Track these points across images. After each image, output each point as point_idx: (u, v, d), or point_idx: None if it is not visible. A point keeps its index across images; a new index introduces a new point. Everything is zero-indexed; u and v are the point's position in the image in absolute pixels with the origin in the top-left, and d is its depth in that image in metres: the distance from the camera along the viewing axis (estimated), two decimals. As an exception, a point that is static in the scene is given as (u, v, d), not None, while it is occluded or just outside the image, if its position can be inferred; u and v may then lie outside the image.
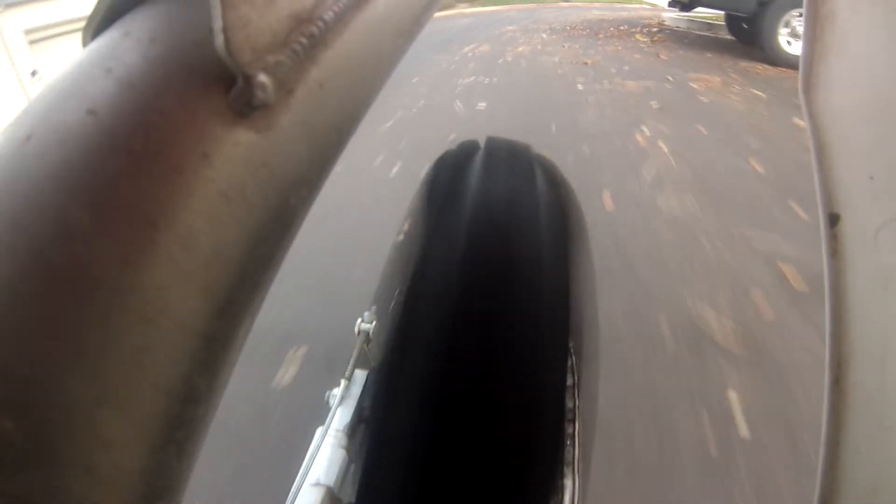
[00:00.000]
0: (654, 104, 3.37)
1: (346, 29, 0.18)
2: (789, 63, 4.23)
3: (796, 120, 2.98)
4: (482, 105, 3.33)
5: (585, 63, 4.53)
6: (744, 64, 4.43)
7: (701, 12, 5.71)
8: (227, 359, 0.17)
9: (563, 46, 5.22)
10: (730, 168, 2.44)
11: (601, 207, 2.06)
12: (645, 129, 2.93)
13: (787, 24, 4.31)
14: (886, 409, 0.31)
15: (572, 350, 0.42)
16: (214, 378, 0.16)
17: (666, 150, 2.64)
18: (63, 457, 0.13)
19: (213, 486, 1.04)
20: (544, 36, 5.78)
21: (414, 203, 0.56)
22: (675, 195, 2.18)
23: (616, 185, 2.26)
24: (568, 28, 6.28)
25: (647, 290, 1.61)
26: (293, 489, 0.51)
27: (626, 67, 4.37)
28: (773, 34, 4.35)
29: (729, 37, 5.45)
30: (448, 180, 0.52)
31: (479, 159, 0.53)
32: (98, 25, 0.18)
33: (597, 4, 8.81)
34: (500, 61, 4.59)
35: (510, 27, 6.29)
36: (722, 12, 5.35)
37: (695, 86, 3.81)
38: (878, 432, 0.31)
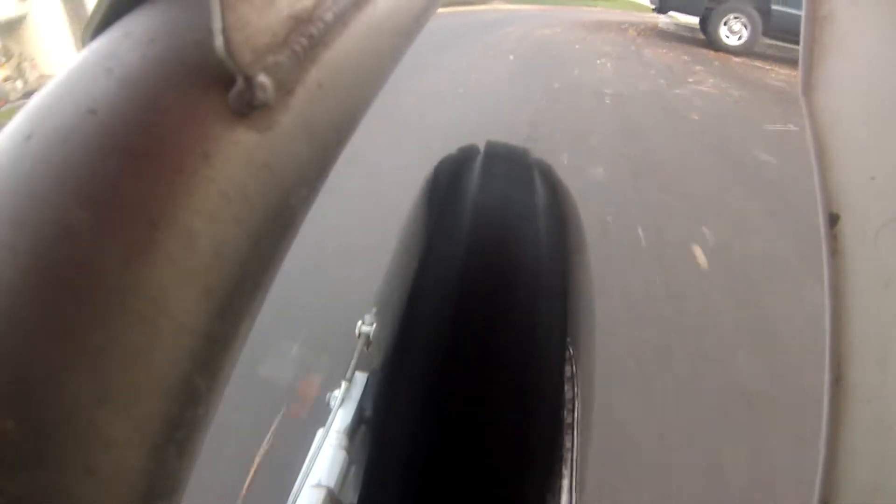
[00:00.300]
0: (614, 54, 5.90)
1: (345, 29, 0.18)
2: (725, 49, 6.30)
3: (697, 67, 5.53)
4: (524, 51, 5.66)
5: (584, 39, 6.81)
6: (695, 49, 6.52)
7: (687, 18, 7.71)
8: (227, 359, 0.17)
9: (574, 33, 7.38)
10: (637, 72, 5.14)
11: (574, 74, 4.78)
12: (603, 60, 5.58)
13: (725, 24, 6.27)
14: (886, 409, 0.31)
15: (571, 352, 0.42)
16: (215, 378, 0.16)
17: (609, 66, 5.29)
18: (63, 457, 0.13)
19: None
20: (562, 27, 8.00)
21: (414, 206, 0.56)
22: (604, 73, 4.93)
23: (580, 72, 4.91)
24: (581, 23, 8.53)
25: (590, 88, 4.31)
26: (294, 490, 0.51)
27: (610, 43, 6.64)
28: (716, 30, 6.32)
29: (701, 36, 7.14)
30: (448, 184, 0.52)
31: (478, 163, 0.53)
32: (98, 25, 0.18)
33: (616, 11, 11.39)
34: (529, 37, 6.68)
35: (537, 20, 8.44)
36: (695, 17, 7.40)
37: (646, 52, 6.23)
38: (878, 431, 0.31)
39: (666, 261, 1.83)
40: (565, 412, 0.40)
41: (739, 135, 3.42)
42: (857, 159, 0.33)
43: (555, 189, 0.53)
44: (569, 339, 0.42)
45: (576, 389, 0.41)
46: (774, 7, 5.77)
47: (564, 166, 2.51)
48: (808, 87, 0.35)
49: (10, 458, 0.12)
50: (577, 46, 6.19)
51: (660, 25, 8.38)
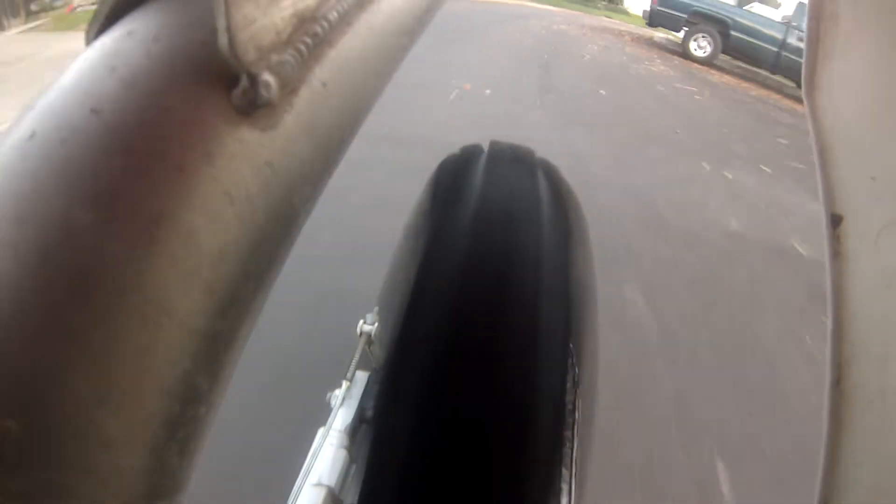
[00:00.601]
0: (604, 45, 7.98)
1: (349, 28, 0.18)
2: (694, 59, 7.99)
3: (657, 60, 7.45)
4: (543, 34, 7.69)
5: (586, 35, 8.92)
6: (667, 54, 8.29)
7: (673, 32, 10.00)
8: (229, 358, 0.16)
9: (581, 31, 9.50)
10: (613, 55, 7.16)
11: (571, 49, 7.05)
12: (592, 45, 7.63)
13: (695, 40, 8.08)
14: (888, 410, 0.31)
15: (573, 352, 0.42)
16: (216, 377, 0.16)
17: (596, 49, 7.30)
18: (64, 456, 0.13)
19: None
20: (574, 25, 10.13)
21: (417, 206, 0.55)
22: (591, 51, 7.12)
23: (575, 49, 7.08)
24: (590, 26, 10.63)
25: (578, 54, 6.79)
26: (294, 489, 0.51)
27: (606, 41, 8.65)
28: (688, 43, 8.15)
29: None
30: (451, 184, 0.52)
31: (482, 163, 0.53)
32: (102, 24, 0.18)
33: (630, 25, 13.33)
34: (548, 29, 8.74)
35: (557, 18, 10.82)
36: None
37: (627, 49, 8.14)
38: (879, 433, 0.31)
39: (586, 92, 4.59)
40: (566, 411, 0.40)
41: (656, 81, 5.87)
42: (860, 160, 0.33)
43: (558, 189, 0.53)
44: (571, 340, 0.42)
45: (577, 389, 0.41)
46: (732, 33, 7.73)
47: (556, 73, 5.08)
48: (811, 87, 0.35)
49: (11, 457, 0.12)
50: (579, 38, 8.55)
51: (654, 38, 10.30)
